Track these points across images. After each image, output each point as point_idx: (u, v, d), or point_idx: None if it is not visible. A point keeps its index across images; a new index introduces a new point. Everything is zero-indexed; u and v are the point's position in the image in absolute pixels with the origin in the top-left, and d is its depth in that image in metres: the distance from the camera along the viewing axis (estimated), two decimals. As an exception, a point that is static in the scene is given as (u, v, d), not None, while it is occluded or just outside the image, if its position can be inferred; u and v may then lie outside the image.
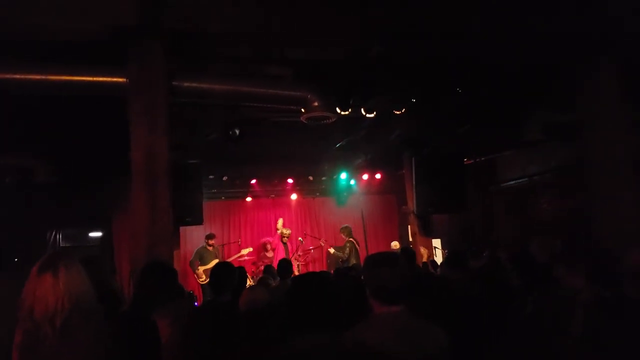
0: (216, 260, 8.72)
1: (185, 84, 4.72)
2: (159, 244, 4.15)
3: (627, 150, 5.14)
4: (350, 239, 10.45)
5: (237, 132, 6.35)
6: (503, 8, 4.49)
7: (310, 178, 11.21)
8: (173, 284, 3.41)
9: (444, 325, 2.28)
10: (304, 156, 10.23)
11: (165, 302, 3.13)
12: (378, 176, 11.53)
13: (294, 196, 11.74)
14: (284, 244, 10.56)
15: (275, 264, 6.84)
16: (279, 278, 5.89)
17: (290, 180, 11.14)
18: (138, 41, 4.27)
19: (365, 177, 11.41)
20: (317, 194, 12.04)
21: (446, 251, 10.08)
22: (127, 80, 4.41)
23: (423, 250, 8.79)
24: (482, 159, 10.31)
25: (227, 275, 3.67)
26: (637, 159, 5.19)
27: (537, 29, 4.76)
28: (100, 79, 4.54)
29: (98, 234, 8.74)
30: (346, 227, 10.65)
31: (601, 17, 4.64)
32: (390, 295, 2.26)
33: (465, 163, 9.67)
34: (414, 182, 8.94)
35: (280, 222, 10.98)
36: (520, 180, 10.75)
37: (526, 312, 2.81)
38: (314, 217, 12.28)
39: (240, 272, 4.84)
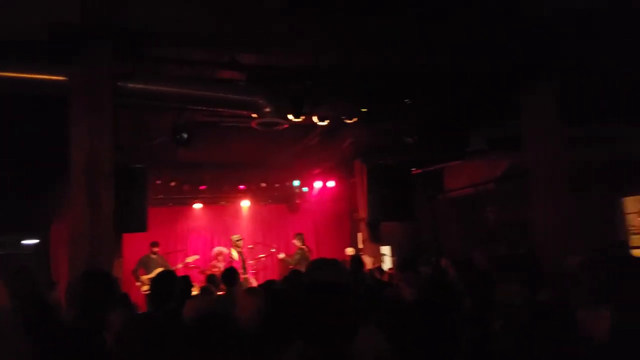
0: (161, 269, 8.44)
1: (131, 85, 4.57)
2: (100, 251, 3.97)
3: (562, 164, 5.45)
4: (302, 247, 10.42)
5: (185, 136, 6.19)
6: (453, 32, 4.64)
7: (263, 184, 11.11)
8: (114, 293, 3.25)
9: (390, 330, 2.30)
10: (256, 162, 10.14)
11: (106, 313, 2.98)
12: (331, 184, 11.60)
13: (245, 203, 11.58)
14: (238, 252, 10.37)
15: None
16: (227, 286, 5.77)
17: (241, 187, 10.98)
18: (82, 40, 4.11)
19: (318, 184, 11.44)
20: (270, 200, 11.94)
21: (395, 258, 10.28)
22: (69, 79, 4.21)
23: (367, 258, 8.92)
24: (431, 168, 10.60)
25: (168, 284, 3.54)
26: (571, 172, 5.52)
27: (484, 53, 4.98)
28: (39, 76, 4.32)
29: (33, 241, 8.20)
30: (299, 235, 10.62)
31: (540, 45, 4.89)
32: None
33: (414, 172, 9.91)
34: (365, 190, 9.07)
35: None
36: (467, 190, 11.11)
37: (464, 313, 2.90)
38: (266, 225, 12.17)
39: (184, 281, 4.71)
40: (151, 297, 3.62)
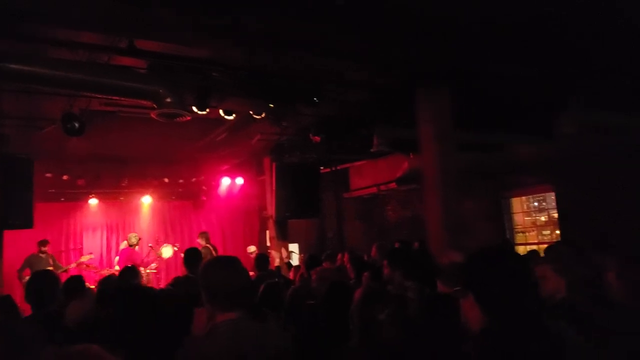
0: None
1: (12, 66, 4.13)
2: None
3: (454, 166, 5.83)
4: (207, 245, 10.16)
5: (77, 125, 5.74)
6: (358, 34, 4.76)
7: (166, 180, 10.65)
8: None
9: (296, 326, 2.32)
10: (159, 156, 9.69)
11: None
12: (239, 180, 11.42)
13: (146, 199, 11.03)
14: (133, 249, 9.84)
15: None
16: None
17: (142, 182, 10.43)
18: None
19: (226, 181, 11.21)
20: (173, 197, 11.49)
21: (302, 255, 10.40)
22: None
23: (274, 254, 8.93)
24: (337, 168, 10.86)
25: (43, 285, 3.28)
26: (462, 174, 5.93)
27: (379, 56, 5.17)
28: None
29: None
30: (204, 233, 10.34)
31: (434, 52, 5.17)
32: (229, 300, 2.19)
33: (322, 171, 10.08)
34: (273, 188, 9.06)
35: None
36: (370, 189, 11.52)
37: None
38: (169, 222, 11.70)
39: (75, 282, 4.38)
40: (29, 298, 3.31)
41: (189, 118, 5.32)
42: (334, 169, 10.70)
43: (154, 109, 5.31)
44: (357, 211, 12.65)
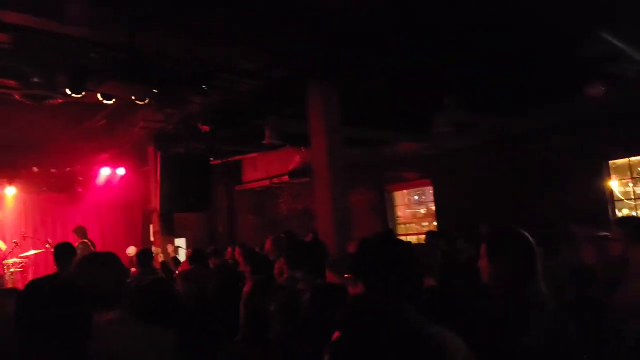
0: None
1: None
2: None
3: (341, 160, 6.03)
4: (85, 241, 9.36)
5: None
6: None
7: (35, 169, 9.59)
8: None
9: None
10: (28, 143, 8.68)
11: None
12: (121, 171, 10.66)
13: (10, 190, 9.83)
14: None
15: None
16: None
17: (6, 171, 9.29)
18: None
19: (105, 171, 10.40)
20: (44, 188, 10.38)
21: (190, 250, 10.05)
22: None
23: (156, 250, 8.54)
24: (229, 159, 10.65)
25: None
26: (349, 169, 6.15)
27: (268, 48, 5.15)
28: None
29: None
30: (80, 228, 9.49)
31: (322, 48, 5.26)
32: (105, 299, 2.04)
33: (213, 163, 9.81)
34: (159, 180, 8.60)
35: None
36: (262, 182, 11.49)
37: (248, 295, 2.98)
38: (40, 216, 10.56)
39: None
40: None
41: (60, 101, 4.82)
42: (225, 160, 10.46)
43: (18, 89, 4.74)
44: (249, 204, 12.55)
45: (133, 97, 5.96)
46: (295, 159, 10.44)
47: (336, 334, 1.29)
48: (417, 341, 1.09)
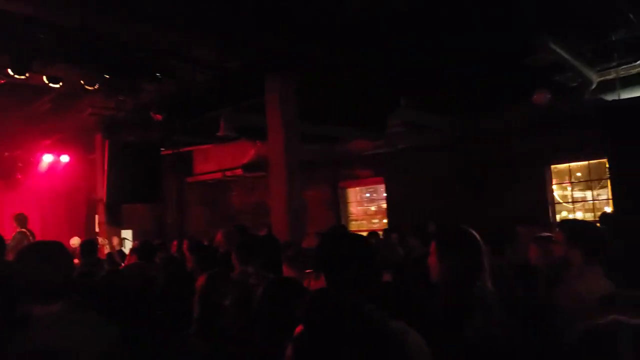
0: None
1: None
2: None
3: (297, 156, 6.04)
4: (23, 230, 8.88)
5: None
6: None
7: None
8: None
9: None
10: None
11: None
12: (65, 158, 10.17)
13: (-60, 174, 9.20)
14: None
15: None
16: None
17: None
18: None
19: (48, 158, 9.89)
20: (-21, 174, 9.77)
21: (137, 242, 9.74)
22: None
23: (102, 241, 8.22)
24: (181, 150, 10.39)
25: None
26: (304, 164, 6.18)
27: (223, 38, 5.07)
28: None
29: None
30: (20, 215, 8.98)
31: (281, 42, 5.23)
32: (48, 291, 1.96)
33: (163, 153, 9.52)
34: (106, 168, 8.26)
35: None
36: (214, 174, 11.30)
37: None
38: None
39: None
40: None
41: (1, 82, 4.54)
42: (176, 151, 10.19)
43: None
44: (200, 196, 12.31)
45: (82, 82, 5.71)
46: (249, 152, 10.34)
47: (299, 328, 1.29)
48: (379, 336, 1.11)
